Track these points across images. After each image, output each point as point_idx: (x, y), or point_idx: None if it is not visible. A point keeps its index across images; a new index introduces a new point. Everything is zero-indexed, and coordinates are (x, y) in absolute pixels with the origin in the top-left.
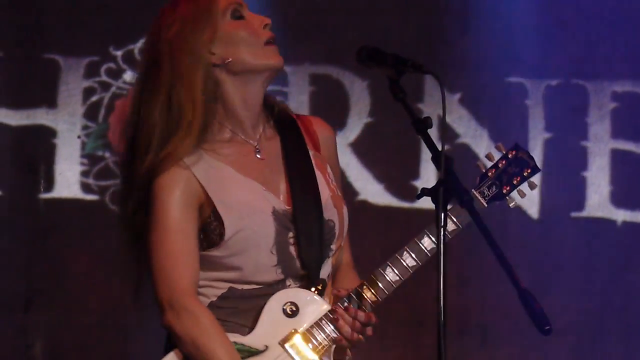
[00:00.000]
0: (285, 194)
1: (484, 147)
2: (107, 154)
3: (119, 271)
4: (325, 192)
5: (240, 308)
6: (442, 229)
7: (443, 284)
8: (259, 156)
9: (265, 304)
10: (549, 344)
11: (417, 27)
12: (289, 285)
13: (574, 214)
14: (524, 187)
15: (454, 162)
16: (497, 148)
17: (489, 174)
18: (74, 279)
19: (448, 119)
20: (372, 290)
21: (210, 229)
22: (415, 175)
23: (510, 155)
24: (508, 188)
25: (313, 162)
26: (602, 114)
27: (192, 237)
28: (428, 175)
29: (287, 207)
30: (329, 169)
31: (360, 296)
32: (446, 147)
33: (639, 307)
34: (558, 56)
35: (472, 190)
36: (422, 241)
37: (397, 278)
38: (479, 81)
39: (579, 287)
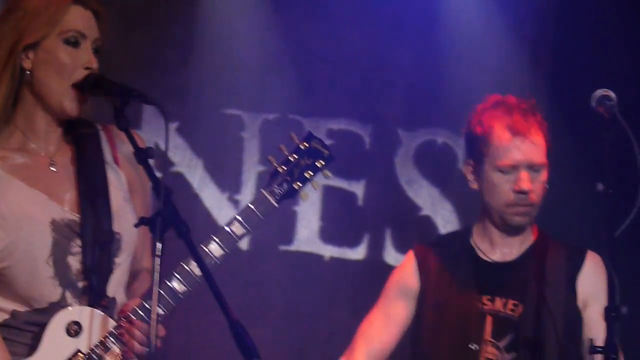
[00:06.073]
0: (72, 203)
1: (198, 177)
2: None
3: None
4: (116, 203)
5: (24, 329)
6: (159, 258)
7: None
8: (53, 169)
9: (47, 324)
10: None
11: (136, 53)
12: (69, 301)
13: (282, 247)
14: (319, 178)
15: (173, 192)
16: (291, 138)
17: (280, 169)
18: None
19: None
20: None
21: None
22: None
23: (302, 147)
24: (300, 184)
25: (108, 174)
26: None
27: None
28: None
29: (74, 216)
30: (124, 181)
31: (146, 309)
32: (162, 176)
33: (341, 341)
34: (276, 91)
35: (262, 189)
36: (208, 247)
37: (185, 289)
38: (197, 111)
39: (285, 320)
